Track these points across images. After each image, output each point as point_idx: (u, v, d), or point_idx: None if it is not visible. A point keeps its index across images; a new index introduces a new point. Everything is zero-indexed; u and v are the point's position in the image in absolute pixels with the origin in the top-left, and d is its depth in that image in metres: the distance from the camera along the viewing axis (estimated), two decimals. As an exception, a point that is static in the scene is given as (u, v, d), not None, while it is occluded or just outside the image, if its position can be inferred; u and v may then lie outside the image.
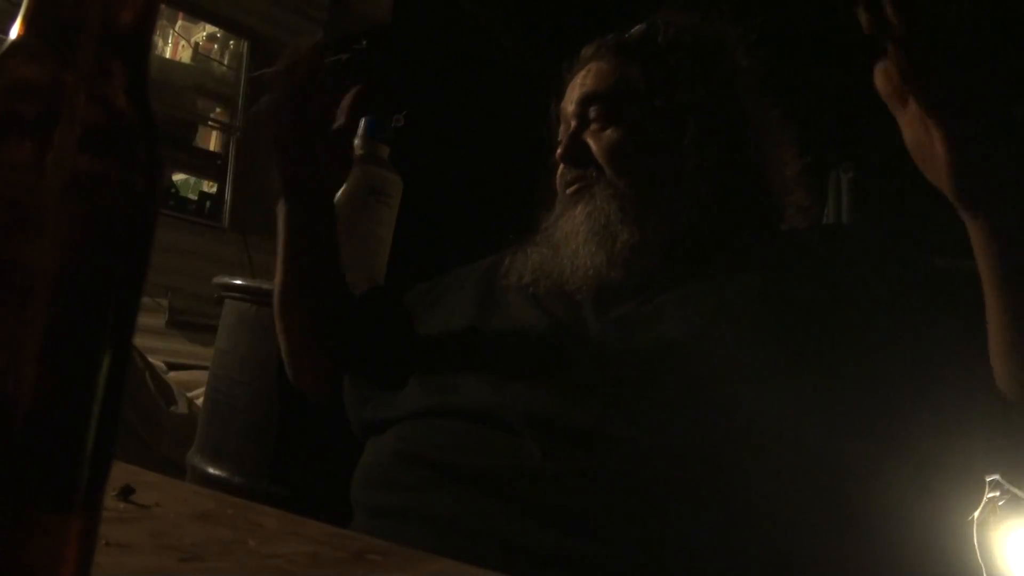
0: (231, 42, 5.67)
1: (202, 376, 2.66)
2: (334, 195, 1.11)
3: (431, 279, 1.16)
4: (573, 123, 1.03)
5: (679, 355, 0.80)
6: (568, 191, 1.01)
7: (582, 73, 1.05)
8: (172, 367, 3.10)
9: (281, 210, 1.03)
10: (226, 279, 1.60)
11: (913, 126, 0.66)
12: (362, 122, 1.68)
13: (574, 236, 0.95)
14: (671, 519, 0.70)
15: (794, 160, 1.02)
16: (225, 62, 5.68)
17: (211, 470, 1.48)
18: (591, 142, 1.00)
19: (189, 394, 2.60)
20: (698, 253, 0.94)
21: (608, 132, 0.99)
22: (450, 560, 0.59)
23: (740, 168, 0.98)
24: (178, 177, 5.84)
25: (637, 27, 1.05)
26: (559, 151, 1.02)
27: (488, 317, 0.99)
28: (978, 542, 0.76)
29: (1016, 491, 0.74)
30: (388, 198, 1.66)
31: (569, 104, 1.05)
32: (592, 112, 1.01)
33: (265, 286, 1.57)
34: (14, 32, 0.35)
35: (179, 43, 5.75)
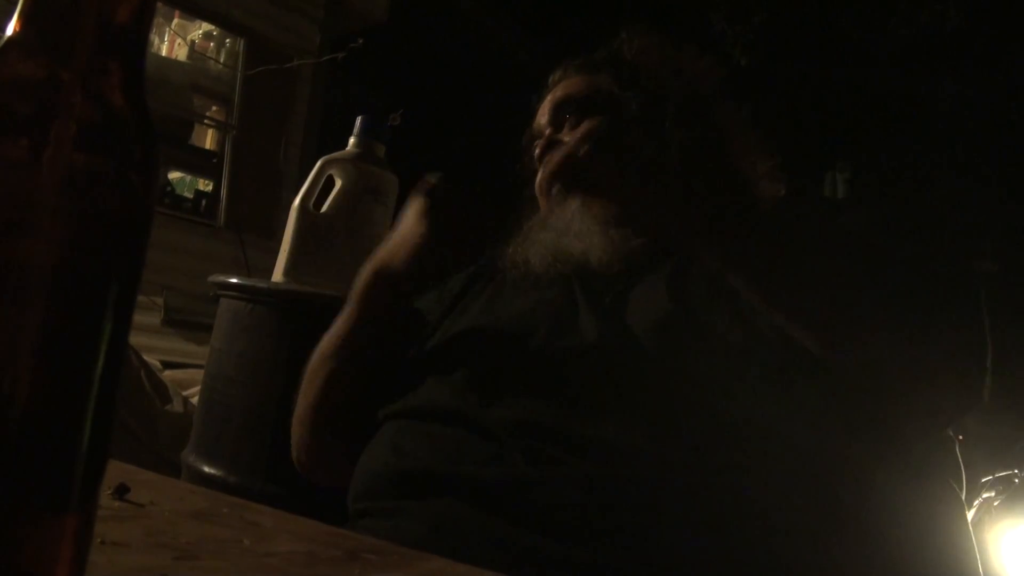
0: (227, 40, 5.66)
1: (197, 375, 2.66)
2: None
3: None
4: (548, 130, 1.04)
5: (661, 356, 0.79)
6: (554, 190, 1.00)
7: (552, 92, 1.07)
8: (167, 365, 3.09)
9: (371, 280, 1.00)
10: (221, 277, 1.60)
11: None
12: (358, 121, 1.69)
13: (573, 226, 0.97)
14: (659, 521, 0.70)
15: (765, 158, 1.02)
16: (221, 60, 5.66)
17: (206, 469, 1.48)
18: (568, 137, 1.01)
19: (184, 392, 2.60)
20: (683, 242, 0.94)
21: (584, 123, 1.01)
22: (445, 559, 0.59)
23: (712, 156, 0.98)
24: (174, 175, 5.84)
25: (601, 49, 1.08)
26: (538, 151, 1.03)
27: (476, 315, 0.99)
28: (975, 542, 0.76)
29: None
30: (384, 197, 1.67)
31: (542, 117, 1.06)
32: (566, 114, 1.03)
33: (260, 284, 1.57)
34: (10, 29, 0.35)
35: (175, 41, 5.74)
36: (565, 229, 0.96)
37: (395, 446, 0.86)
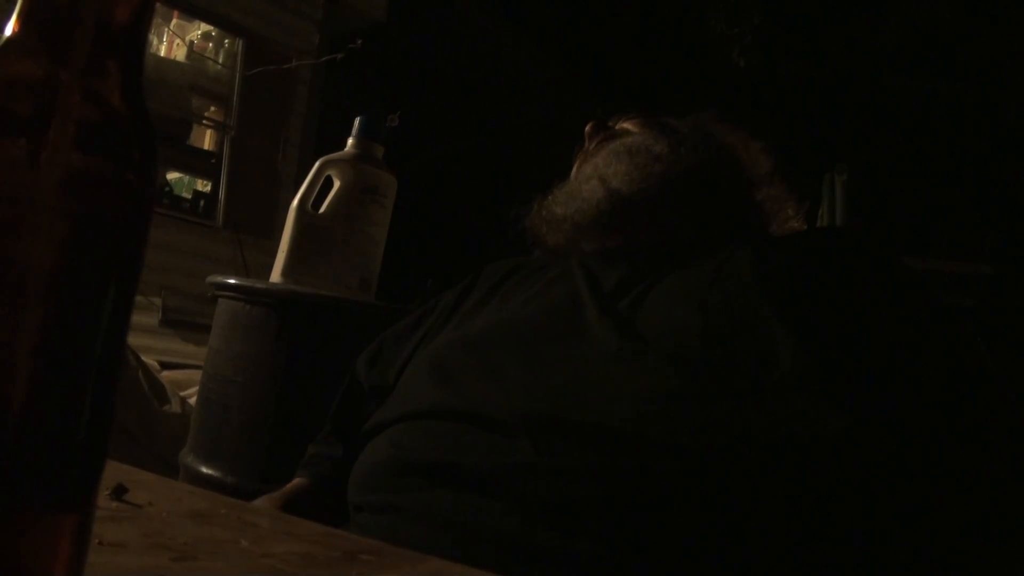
0: (226, 41, 5.67)
1: (195, 375, 2.66)
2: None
3: (423, 279, 1.18)
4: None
5: (675, 348, 0.79)
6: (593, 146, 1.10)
7: None
8: (165, 366, 3.09)
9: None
10: (220, 278, 1.60)
11: None
12: (356, 121, 1.69)
13: (602, 167, 1.03)
14: (665, 513, 0.70)
15: (789, 201, 1.10)
16: (220, 61, 5.67)
17: (204, 469, 1.48)
18: (621, 124, 1.12)
19: (182, 393, 2.60)
20: (694, 242, 0.96)
21: (636, 117, 1.12)
22: (443, 560, 0.59)
23: (734, 186, 1.07)
24: (172, 176, 5.84)
25: None
26: (588, 129, 1.13)
27: (476, 318, 0.99)
28: None
29: None
30: (382, 197, 1.67)
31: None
32: (618, 117, 1.14)
33: (259, 285, 1.57)
34: (9, 29, 0.35)
35: (174, 41, 5.75)
36: (589, 176, 1.04)
37: (395, 442, 0.86)
